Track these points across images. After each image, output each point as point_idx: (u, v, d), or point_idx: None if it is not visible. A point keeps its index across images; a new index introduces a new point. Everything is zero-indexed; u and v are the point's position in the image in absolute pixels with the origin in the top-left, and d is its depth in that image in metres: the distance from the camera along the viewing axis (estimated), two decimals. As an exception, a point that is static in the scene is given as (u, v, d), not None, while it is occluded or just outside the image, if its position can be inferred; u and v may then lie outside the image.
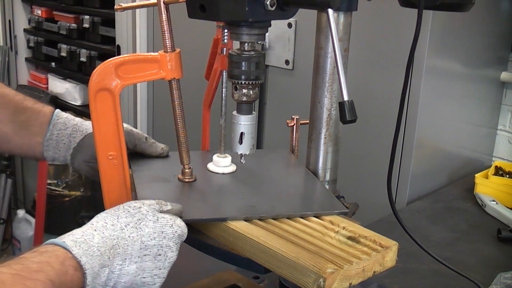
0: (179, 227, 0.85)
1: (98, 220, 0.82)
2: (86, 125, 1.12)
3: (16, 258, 0.74)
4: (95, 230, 0.79)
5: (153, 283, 0.82)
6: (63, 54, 3.43)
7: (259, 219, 0.91)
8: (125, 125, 1.04)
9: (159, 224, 0.83)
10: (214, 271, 1.19)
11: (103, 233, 0.79)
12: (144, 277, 0.81)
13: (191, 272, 1.26)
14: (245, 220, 0.91)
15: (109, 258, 0.78)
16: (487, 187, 1.80)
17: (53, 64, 3.63)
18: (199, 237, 0.93)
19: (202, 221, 0.92)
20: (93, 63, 3.24)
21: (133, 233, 0.81)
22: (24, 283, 0.69)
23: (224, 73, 1.09)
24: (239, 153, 1.00)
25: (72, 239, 0.77)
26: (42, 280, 0.71)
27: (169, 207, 0.87)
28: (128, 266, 0.80)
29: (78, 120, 1.13)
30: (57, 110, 1.14)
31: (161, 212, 0.86)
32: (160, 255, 0.82)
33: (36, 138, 1.11)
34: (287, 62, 2.04)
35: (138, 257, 0.81)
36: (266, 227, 0.89)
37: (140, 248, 0.81)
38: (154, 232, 0.82)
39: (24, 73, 3.88)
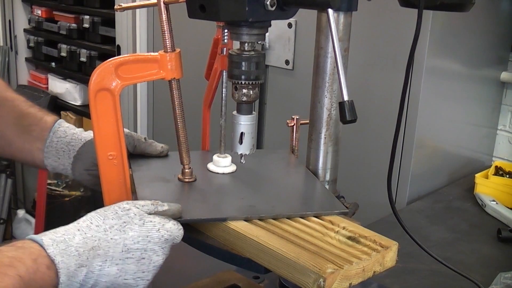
0: (167, 231, 0.84)
1: (85, 219, 0.83)
2: (85, 134, 1.12)
3: None
4: (78, 230, 0.80)
5: (136, 285, 0.82)
6: (63, 54, 3.44)
7: (259, 219, 0.91)
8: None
9: (145, 228, 0.82)
10: (214, 271, 1.19)
11: (85, 233, 0.80)
12: (126, 279, 0.81)
13: (191, 272, 1.26)
14: (245, 220, 0.91)
15: (88, 258, 0.78)
16: (487, 187, 1.80)
17: (53, 64, 3.63)
18: (199, 237, 0.93)
19: (202, 221, 0.92)
20: (93, 63, 3.24)
21: (116, 235, 0.81)
22: None
23: (224, 73, 1.09)
24: (239, 153, 1.00)
25: (51, 237, 0.78)
26: (11, 275, 0.71)
27: (165, 207, 0.87)
28: (108, 267, 0.80)
29: (78, 130, 1.13)
30: (60, 120, 1.14)
31: (155, 213, 0.85)
32: (144, 258, 0.82)
33: (36, 144, 1.10)
34: (287, 62, 2.04)
35: (120, 259, 0.81)
36: (266, 227, 0.89)
37: (122, 251, 0.81)
38: (139, 236, 0.82)
39: (24, 73, 3.88)
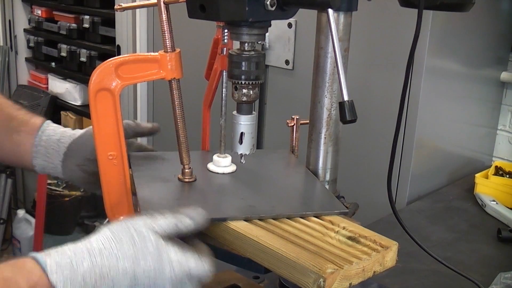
0: (184, 270, 0.78)
1: (98, 239, 0.76)
2: (75, 131, 1.10)
3: None
4: (89, 253, 0.74)
5: None
6: (63, 54, 3.44)
7: (259, 219, 0.91)
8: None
9: (159, 263, 0.77)
10: (214, 271, 1.19)
11: (95, 259, 0.74)
12: None
13: (191, 272, 1.25)
14: (245, 220, 0.91)
15: (94, 286, 0.73)
16: (487, 187, 1.80)
17: (53, 64, 3.64)
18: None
19: (202, 221, 0.92)
20: (93, 63, 3.24)
21: (127, 265, 0.75)
22: None
23: (224, 73, 1.09)
24: (239, 153, 1.00)
25: (57, 260, 0.72)
26: None
27: (188, 222, 0.81)
28: None
29: (67, 128, 1.11)
30: (49, 121, 1.11)
31: (180, 234, 0.80)
32: None
33: (24, 144, 1.07)
34: (287, 62, 2.04)
35: (127, 287, 0.76)
36: (266, 227, 0.89)
37: (130, 281, 0.75)
38: (150, 270, 0.76)
39: (24, 73, 3.88)
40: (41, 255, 0.73)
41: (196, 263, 0.79)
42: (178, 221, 0.81)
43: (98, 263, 0.74)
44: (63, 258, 0.73)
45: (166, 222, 0.80)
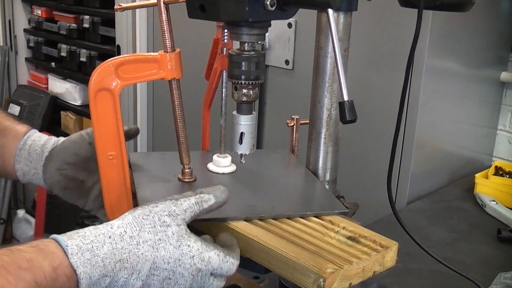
0: (203, 260, 0.79)
1: (120, 225, 0.77)
2: (59, 138, 1.08)
3: (11, 248, 0.71)
4: (110, 237, 0.75)
5: None
6: (63, 54, 3.44)
7: (259, 219, 0.91)
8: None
9: (179, 251, 0.78)
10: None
11: (116, 243, 0.75)
12: None
13: (191, 272, 1.25)
14: (245, 220, 0.91)
15: (113, 270, 0.74)
16: (487, 187, 1.80)
17: (53, 64, 3.63)
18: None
19: (202, 221, 0.92)
20: (93, 63, 3.24)
21: (148, 251, 0.76)
22: (7, 277, 0.67)
23: (224, 73, 1.09)
24: (239, 153, 1.00)
25: (78, 243, 0.73)
26: (27, 280, 0.68)
27: (210, 202, 0.82)
28: (134, 280, 0.76)
29: (53, 137, 1.09)
30: (35, 129, 1.09)
31: (200, 214, 0.81)
32: (170, 279, 0.78)
33: (8, 148, 1.06)
34: (287, 62, 2.04)
35: (146, 275, 0.77)
36: (266, 227, 0.89)
37: (150, 268, 0.77)
38: (170, 257, 0.77)
39: (24, 73, 3.88)
40: (62, 238, 0.74)
41: (219, 257, 0.80)
42: (199, 200, 0.82)
43: (119, 248, 0.75)
44: (84, 241, 0.74)
45: (188, 203, 0.81)
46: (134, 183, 1.01)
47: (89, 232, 0.76)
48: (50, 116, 3.62)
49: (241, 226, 0.89)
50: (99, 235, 0.75)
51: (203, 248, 0.79)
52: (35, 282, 0.68)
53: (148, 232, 0.77)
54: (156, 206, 0.80)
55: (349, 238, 0.87)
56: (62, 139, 1.08)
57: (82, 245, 0.73)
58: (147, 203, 0.82)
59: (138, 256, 0.76)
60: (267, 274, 0.92)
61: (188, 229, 0.81)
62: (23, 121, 1.12)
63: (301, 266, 0.78)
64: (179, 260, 0.78)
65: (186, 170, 1.03)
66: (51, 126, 3.60)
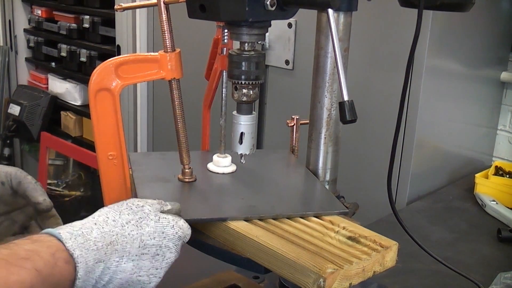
0: (180, 228, 0.84)
1: (100, 214, 0.81)
2: None
3: (7, 243, 0.72)
4: (95, 224, 0.79)
5: (149, 281, 0.82)
6: (63, 54, 3.44)
7: (259, 219, 0.91)
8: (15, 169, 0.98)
9: (160, 224, 0.83)
10: (214, 271, 1.19)
11: (102, 228, 0.78)
12: (141, 276, 0.81)
13: (191, 272, 1.26)
14: (245, 220, 0.91)
15: (106, 253, 0.77)
16: (487, 187, 1.80)
17: (53, 64, 3.64)
18: (199, 237, 0.93)
19: (202, 221, 0.92)
20: (93, 63, 3.25)
21: (133, 231, 0.80)
22: (8, 268, 0.68)
23: (224, 73, 1.09)
24: (239, 153, 1.00)
25: (69, 230, 0.76)
26: (28, 268, 0.69)
27: (169, 207, 0.87)
28: (125, 263, 0.79)
29: None
30: None
31: (162, 212, 0.85)
32: (158, 255, 0.82)
33: None
34: (287, 62, 2.04)
35: (136, 255, 0.80)
36: (266, 227, 0.89)
37: (139, 247, 0.80)
38: (155, 231, 0.82)
39: (24, 73, 3.88)
40: (53, 229, 0.76)
41: (185, 224, 0.86)
42: (160, 204, 0.87)
43: (106, 231, 0.78)
44: (74, 230, 0.77)
45: (152, 201, 0.86)
46: (134, 183, 1.01)
47: (76, 223, 0.79)
48: (50, 116, 3.62)
49: (241, 226, 0.89)
50: (85, 223, 0.79)
51: (175, 217, 0.85)
52: (35, 269, 0.70)
53: (127, 214, 0.82)
54: (124, 201, 0.85)
55: (349, 238, 0.87)
56: None
57: (73, 231, 0.76)
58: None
59: (126, 237, 0.79)
60: (267, 274, 0.92)
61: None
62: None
63: (301, 266, 0.78)
64: (163, 232, 0.82)
65: (186, 170, 1.03)
66: (51, 126, 3.61)
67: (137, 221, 0.81)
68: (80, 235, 0.76)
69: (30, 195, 0.98)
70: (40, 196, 0.98)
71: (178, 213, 0.88)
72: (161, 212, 0.85)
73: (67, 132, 3.56)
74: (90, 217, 0.81)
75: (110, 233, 0.78)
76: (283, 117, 1.23)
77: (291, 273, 0.80)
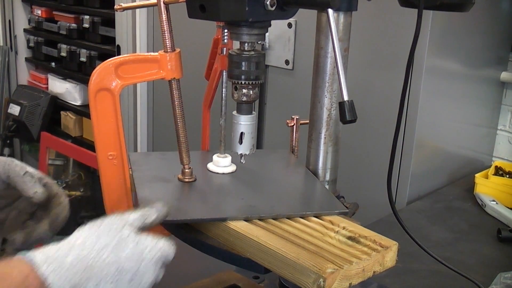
0: (160, 249, 0.81)
1: (78, 237, 0.79)
2: None
3: None
4: (72, 247, 0.77)
5: None
6: (63, 54, 3.44)
7: (259, 219, 0.91)
8: (4, 158, 0.95)
9: (139, 248, 0.80)
10: (214, 271, 1.19)
11: (78, 253, 0.76)
12: None
13: (191, 272, 1.26)
14: (245, 220, 0.91)
15: (81, 279, 0.75)
16: (487, 187, 1.80)
17: (53, 64, 3.64)
18: (199, 237, 0.93)
19: (202, 221, 0.92)
20: (93, 63, 3.25)
21: (110, 255, 0.78)
22: None
23: (224, 73, 1.09)
24: (239, 153, 1.00)
25: (43, 255, 0.74)
26: None
27: (153, 217, 0.85)
28: (102, 287, 0.77)
29: None
30: None
31: (144, 228, 0.83)
32: (133, 280, 0.79)
33: None
34: (287, 62, 2.04)
35: (112, 281, 0.78)
36: (266, 227, 0.89)
37: (116, 271, 0.78)
38: (132, 255, 0.79)
39: (24, 73, 3.88)
40: (27, 254, 0.74)
41: (164, 244, 0.82)
42: (144, 216, 0.84)
43: (81, 256, 0.76)
44: (48, 254, 0.75)
45: (134, 216, 0.83)
46: (134, 183, 1.01)
47: (51, 246, 0.77)
48: (50, 116, 3.62)
49: (241, 226, 0.89)
50: (61, 247, 0.76)
51: (154, 239, 0.82)
52: None
53: (104, 238, 0.79)
54: (105, 219, 0.82)
55: (349, 238, 0.87)
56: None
57: (47, 257, 0.74)
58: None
59: (102, 262, 0.77)
60: (267, 274, 0.92)
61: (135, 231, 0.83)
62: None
63: (301, 266, 0.78)
64: (141, 256, 0.80)
65: (186, 170, 1.03)
66: (51, 126, 3.61)
67: (115, 245, 0.79)
68: (55, 259, 0.74)
69: (21, 189, 0.94)
70: (30, 189, 0.93)
71: (165, 217, 0.86)
72: (143, 228, 0.83)
73: (67, 132, 3.56)
74: (67, 239, 0.79)
75: (87, 258, 0.76)
76: (283, 117, 1.23)
77: (291, 273, 0.80)
